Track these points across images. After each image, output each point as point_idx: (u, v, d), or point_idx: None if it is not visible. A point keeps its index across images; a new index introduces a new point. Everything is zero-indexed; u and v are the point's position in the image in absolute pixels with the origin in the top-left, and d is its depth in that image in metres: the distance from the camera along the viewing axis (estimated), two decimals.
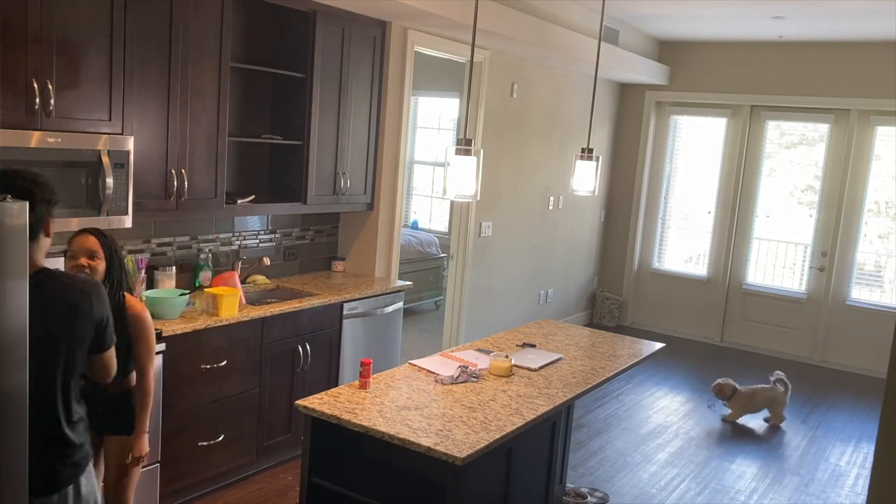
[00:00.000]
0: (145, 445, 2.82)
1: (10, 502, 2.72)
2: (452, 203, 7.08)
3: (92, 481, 2.26)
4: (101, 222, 3.31)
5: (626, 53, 6.86)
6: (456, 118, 8.69)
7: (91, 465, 2.26)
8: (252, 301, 4.26)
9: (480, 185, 2.96)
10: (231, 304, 3.79)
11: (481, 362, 3.37)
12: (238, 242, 4.58)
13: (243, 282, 4.40)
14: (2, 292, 2.62)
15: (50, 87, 3.08)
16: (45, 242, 2.09)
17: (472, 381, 3.15)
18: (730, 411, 5.66)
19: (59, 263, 3.49)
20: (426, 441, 2.51)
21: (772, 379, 5.69)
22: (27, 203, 1.87)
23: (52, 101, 3.09)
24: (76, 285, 2.16)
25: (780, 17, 6.06)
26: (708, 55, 7.62)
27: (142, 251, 4.00)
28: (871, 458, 4.39)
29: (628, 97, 8.10)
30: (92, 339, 2.20)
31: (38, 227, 2.01)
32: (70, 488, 2.13)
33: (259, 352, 3.96)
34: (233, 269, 4.38)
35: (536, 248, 7.05)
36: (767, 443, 5.33)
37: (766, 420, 5.71)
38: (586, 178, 3.98)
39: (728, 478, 4.68)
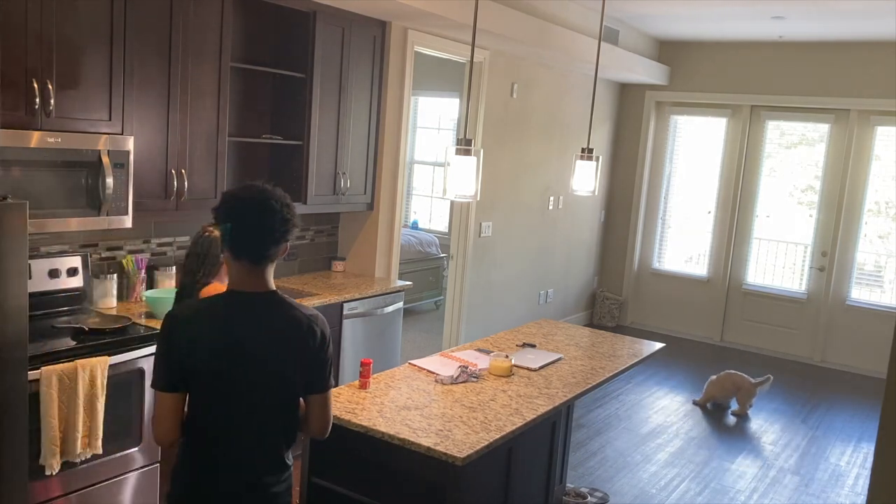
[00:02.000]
0: None
1: (10, 498, 2.72)
2: (452, 203, 7.08)
3: None
4: (100, 222, 3.32)
5: (626, 53, 6.86)
6: (456, 118, 8.69)
7: None
8: None
9: (480, 185, 2.96)
10: None
11: (481, 362, 3.37)
12: None
13: None
14: (3, 293, 2.61)
15: (50, 87, 3.08)
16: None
17: (472, 381, 3.15)
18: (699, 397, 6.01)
19: (60, 263, 3.50)
20: (426, 441, 2.51)
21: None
22: (26, 203, 1.86)
23: (52, 101, 3.09)
24: (300, 310, 2.10)
25: (780, 17, 6.06)
26: (708, 55, 7.62)
27: (142, 251, 4.00)
28: (871, 458, 4.39)
29: (628, 97, 8.10)
30: (309, 371, 2.09)
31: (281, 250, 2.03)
32: None
33: None
34: None
35: (536, 248, 7.05)
36: (768, 443, 5.34)
37: (733, 413, 5.81)
38: (586, 178, 3.98)
39: (728, 478, 4.68)
